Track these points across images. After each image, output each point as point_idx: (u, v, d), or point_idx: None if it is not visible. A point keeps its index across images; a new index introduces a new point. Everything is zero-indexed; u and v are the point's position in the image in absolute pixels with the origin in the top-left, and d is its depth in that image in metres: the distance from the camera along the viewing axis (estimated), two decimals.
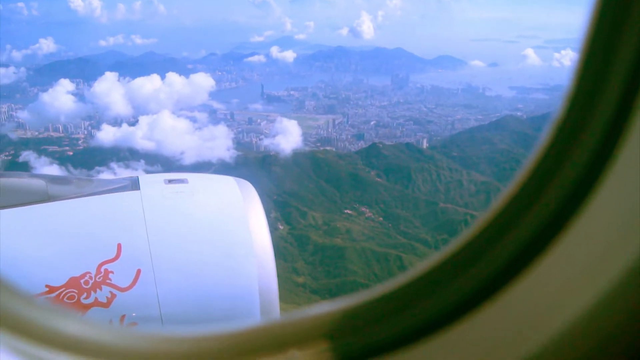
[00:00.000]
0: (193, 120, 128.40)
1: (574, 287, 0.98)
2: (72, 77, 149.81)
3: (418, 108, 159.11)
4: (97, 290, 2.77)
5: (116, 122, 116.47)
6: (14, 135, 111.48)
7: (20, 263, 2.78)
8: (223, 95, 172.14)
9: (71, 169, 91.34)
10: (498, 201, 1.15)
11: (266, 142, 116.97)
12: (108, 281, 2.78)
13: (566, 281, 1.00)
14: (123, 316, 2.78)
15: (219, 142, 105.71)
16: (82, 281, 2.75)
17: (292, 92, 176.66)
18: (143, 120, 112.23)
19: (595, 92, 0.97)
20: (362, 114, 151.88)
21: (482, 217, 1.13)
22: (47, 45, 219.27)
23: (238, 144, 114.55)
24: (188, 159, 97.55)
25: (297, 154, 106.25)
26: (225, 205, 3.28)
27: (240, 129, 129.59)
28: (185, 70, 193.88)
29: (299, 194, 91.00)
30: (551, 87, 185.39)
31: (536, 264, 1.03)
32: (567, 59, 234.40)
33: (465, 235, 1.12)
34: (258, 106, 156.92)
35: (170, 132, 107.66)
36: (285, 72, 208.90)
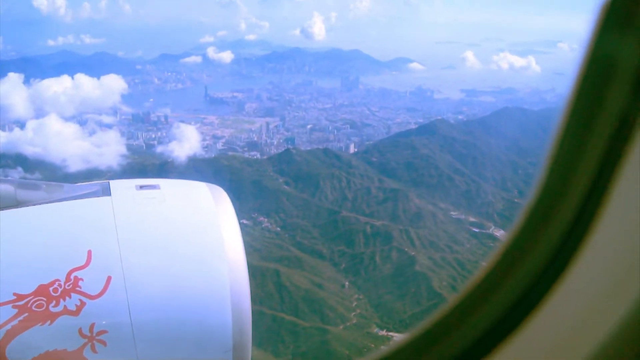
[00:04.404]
0: (97, 124, 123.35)
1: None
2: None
3: (360, 111, 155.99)
4: (67, 298, 2.75)
5: (14, 125, 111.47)
6: None
7: None
8: (166, 97, 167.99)
9: None
10: (489, 260, 1.19)
11: (165, 148, 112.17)
12: (78, 288, 2.77)
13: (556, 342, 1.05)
14: (92, 324, 2.76)
15: (112, 149, 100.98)
16: (51, 289, 2.76)
17: (235, 94, 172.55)
18: (30, 124, 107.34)
19: (571, 170, 1.04)
20: (301, 117, 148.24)
21: (471, 280, 1.17)
22: None
23: (134, 150, 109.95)
24: (75, 166, 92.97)
25: (196, 161, 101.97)
26: (197, 211, 3.28)
27: (139, 135, 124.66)
28: (133, 70, 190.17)
29: None
30: (501, 90, 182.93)
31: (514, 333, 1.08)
32: (524, 63, 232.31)
33: (451, 301, 1.17)
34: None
35: (58, 137, 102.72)
36: (236, 74, 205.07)
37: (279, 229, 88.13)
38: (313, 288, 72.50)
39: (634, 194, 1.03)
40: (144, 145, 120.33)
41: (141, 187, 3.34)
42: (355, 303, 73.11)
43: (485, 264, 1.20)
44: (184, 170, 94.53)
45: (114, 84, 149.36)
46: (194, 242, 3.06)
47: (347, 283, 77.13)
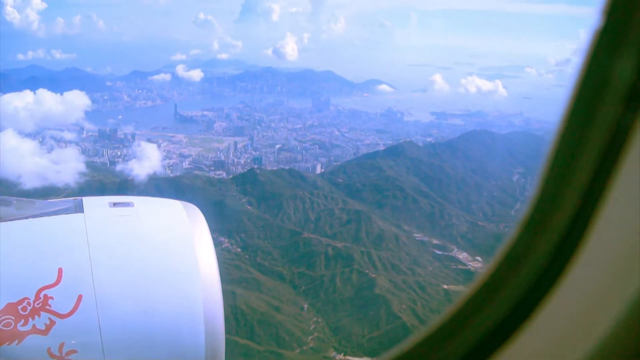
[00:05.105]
0: (60, 140, 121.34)
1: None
2: None
3: (330, 132, 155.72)
4: (36, 316, 2.72)
5: None
6: None
7: None
8: (136, 114, 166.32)
9: None
10: (485, 269, 1.27)
11: (125, 166, 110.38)
12: (47, 307, 2.74)
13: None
14: (62, 344, 2.72)
15: (71, 166, 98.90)
16: (19, 307, 2.72)
17: (205, 113, 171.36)
18: None
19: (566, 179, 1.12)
20: (270, 137, 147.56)
21: (466, 291, 1.25)
22: None
23: (95, 168, 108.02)
24: (30, 183, 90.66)
25: (157, 179, 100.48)
26: (171, 229, 3.27)
27: (105, 152, 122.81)
28: (104, 87, 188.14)
29: None
30: (471, 113, 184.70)
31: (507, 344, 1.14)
32: (492, 86, 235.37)
33: (445, 312, 1.24)
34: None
35: (14, 153, 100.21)
36: (207, 92, 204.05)
37: (239, 249, 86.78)
38: (270, 311, 71.16)
39: (628, 201, 1.10)
40: (108, 162, 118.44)
41: (115, 204, 3.29)
42: (313, 326, 71.91)
43: (484, 270, 1.25)
44: (144, 189, 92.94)
45: (77, 100, 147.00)
46: (168, 261, 3.01)
47: (306, 306, 75.97)
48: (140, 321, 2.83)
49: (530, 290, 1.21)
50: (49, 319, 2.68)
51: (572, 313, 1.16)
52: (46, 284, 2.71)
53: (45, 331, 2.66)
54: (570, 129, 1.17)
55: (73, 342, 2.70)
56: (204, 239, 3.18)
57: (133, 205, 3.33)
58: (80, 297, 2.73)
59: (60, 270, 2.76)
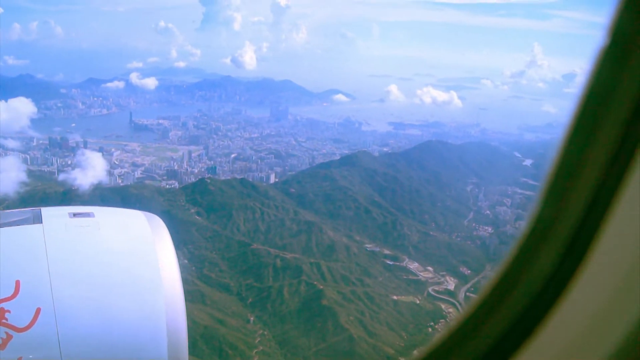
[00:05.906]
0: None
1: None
2: None
3: (287, 141, 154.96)
4: None
5: None
6: None
7: None
8: (89, 122, 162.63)
9: None
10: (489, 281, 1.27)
11: (68, 176, 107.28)
12: (4, 321, 2.68)
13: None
14: (19, 359, 2.67)
15: (11, 175, 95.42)
16: None
17: (161, 121, 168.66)
18: None
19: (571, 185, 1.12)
20: (226, 146, 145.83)
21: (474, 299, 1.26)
22: None
23: (39, 177, 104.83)
24: None
25: (102, 189, 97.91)
26: (133, 240, 3.22)
27: (54, 161, 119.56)
28: (57, 94, 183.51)
29: None
30: (429, 123, 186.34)
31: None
32: (447, 97, 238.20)
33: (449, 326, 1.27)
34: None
35: None
36: (164, 101, 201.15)
37: (185, 261, 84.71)
38: (214, 324, 69.45)
39: (635, 211, 1.11)
40: (57, 172, 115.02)
41: (74, 214, 3.20)
42: (258, 339, 70.56)
43: (491, 278, 1.26)
44: (89, 198, 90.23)
45: (22, 108, 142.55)
46: (130, 272, 2.95)
47: (252, 318, 74.61)
48: (101, 333, 2.73)
49: (538, 298, 1.19)
50: (6, 333, 2.59)
51: (581, 322, 1.14)
52: (3, 297, 2.63)
53: (2, 345, 2.58)
54: (576, 140, 1.16)
55: (31, 356, 2.62)
56: (166, 250, 3.08)
57: (94, 216, 3.20)
58: (38, 310, 2.65)
59: (17, 283, 2.67)
